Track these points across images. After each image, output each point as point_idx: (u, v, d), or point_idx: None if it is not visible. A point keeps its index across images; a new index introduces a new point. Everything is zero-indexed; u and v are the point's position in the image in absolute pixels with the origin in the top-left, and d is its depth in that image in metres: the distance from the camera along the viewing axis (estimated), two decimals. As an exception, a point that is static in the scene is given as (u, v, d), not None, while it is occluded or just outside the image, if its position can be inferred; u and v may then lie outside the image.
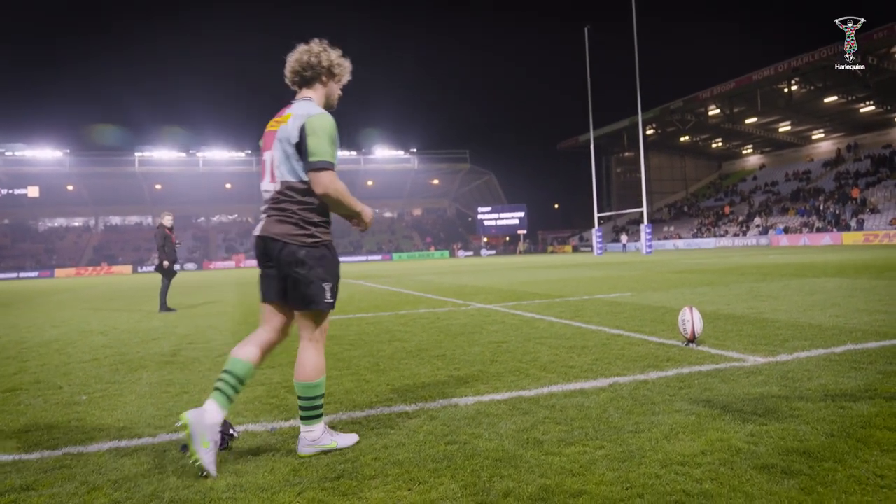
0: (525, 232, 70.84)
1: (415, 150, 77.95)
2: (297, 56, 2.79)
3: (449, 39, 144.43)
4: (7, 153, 66.21)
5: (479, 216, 72.41)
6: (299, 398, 2.71)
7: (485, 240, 73.87)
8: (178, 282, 24.24)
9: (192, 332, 7.19)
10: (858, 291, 8.31)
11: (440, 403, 3.43)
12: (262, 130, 2.85)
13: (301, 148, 2.60)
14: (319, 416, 2.71)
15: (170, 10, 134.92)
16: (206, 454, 2.44)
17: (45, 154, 66.78)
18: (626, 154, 68.53)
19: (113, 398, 3.94)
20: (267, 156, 2.73)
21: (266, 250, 2.71)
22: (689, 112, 56.21)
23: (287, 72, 2.82)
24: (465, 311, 8.21)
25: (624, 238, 55.28)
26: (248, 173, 74.35)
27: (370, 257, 66.44)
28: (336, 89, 2.90)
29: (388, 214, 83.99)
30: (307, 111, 2.64)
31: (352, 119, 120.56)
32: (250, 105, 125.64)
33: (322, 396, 2.74)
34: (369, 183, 78.72)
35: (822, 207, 46.13)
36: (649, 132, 60.46)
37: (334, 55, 2.83)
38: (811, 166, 57.00)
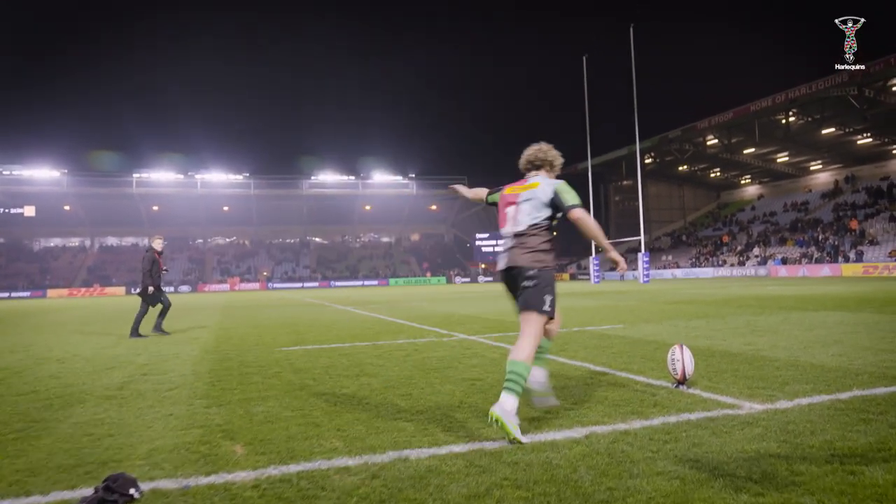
0: (523, 259, 70.32)
1: (413, 175, 78.05)
2: (532, 152, 3.94)
3: (448, 66, 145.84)
4: (4, 172, 66.09)
5: (478, 242, 72.12)
6: (509, 371, 3.39)
7: (482, 266, 73.50)
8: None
9: (153, 361, 6.74)
10: (861, 327, 7.88)
11: (389, 456, 2.99)
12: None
13: (552, 203, 3.65)
14: (519, 392, 3.33)
15: (170, 32, 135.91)
16: (517, 433, 3.18)
17: (42, 174, 66.68)
18: (625, 182, 68.52)
19: (27, 441, 3.49)
20: (510, 210, 3.79)
21: (511, 276, 3.69)
22: (688, 141, 56.31)
23: (523, 161, 3.95)
24: (446, 342, 7.76)
25: (622, 266, 54.84)
26: (246, 196, 74.27)
27: (366, 282, 65.92)
28: (552, 176, 3.95)
29: (385, 239, 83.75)
30: (552, 181, 3.76)
31: (351, 144, 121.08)
32: (249, 128, 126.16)
33: (524, 379, 3.38)
34: (367, 207, 78.63)
35: (820, 238, 45.86)
36: (647, 161, 60.50)
37: (556, 153, 3.98)
38: (809, 197, 56.92)
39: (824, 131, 49.89)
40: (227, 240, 79.72)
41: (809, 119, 47.76)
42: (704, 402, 3.93)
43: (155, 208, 72.75)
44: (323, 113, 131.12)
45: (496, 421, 3.18)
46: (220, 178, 72.66)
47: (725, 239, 56.37)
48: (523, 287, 3.57)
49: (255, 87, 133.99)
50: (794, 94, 42.58)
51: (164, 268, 10.44)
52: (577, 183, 66.26)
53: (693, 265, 53.85)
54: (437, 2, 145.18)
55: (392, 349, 7.16)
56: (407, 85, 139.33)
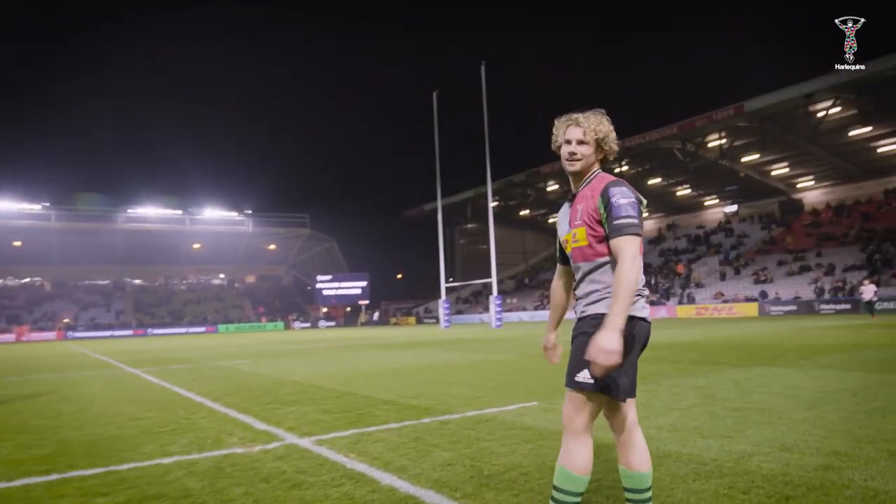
0: (367, 302, 67.09)
1: (250, 211, 71.75)
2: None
3: (287, 96, 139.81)
4: None
5: (319, 285, 67.57)
6: (631, 490, 2.40)
7: (324, 310, 68.72)
8: None
9: None
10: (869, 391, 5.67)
11: None
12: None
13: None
14: None
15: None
16: None
17: None
18: (471, 226, 68.45)
19: None
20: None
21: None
22: (531, 186, 57.34)
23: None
24: (260, 464, 4.23)
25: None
26: (45, 230, 62.70)
27: (192, 329, 58.12)
28: None
29: (216, 281, 75.81)
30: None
31: (177, 175, 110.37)
32: (49, 152, 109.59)
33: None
34: (196, 246, 70.63)
35: (653, 282, 48.03)
36: (493, 204, 60.74)
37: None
38: (638, 243, 60.38)
39: (651, 181, 53.25)
40: (20, 281, 66.96)
41: (640, 169, 50.64)
42: None
43: (-83, 243, 58.97)
44: (143, 139, 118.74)
45: None
46: (10, 208, 60.81)
47: (567, 282, 57.62)
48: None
49: (55, 105, 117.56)
50: (628, 144, 44.57)
51: None
52: (425, 224, 64.79)
53: (536, 308, 54.07)
54: (280, 27, 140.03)
55: (140, 493, 3.51)
56: (242, 115, 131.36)
